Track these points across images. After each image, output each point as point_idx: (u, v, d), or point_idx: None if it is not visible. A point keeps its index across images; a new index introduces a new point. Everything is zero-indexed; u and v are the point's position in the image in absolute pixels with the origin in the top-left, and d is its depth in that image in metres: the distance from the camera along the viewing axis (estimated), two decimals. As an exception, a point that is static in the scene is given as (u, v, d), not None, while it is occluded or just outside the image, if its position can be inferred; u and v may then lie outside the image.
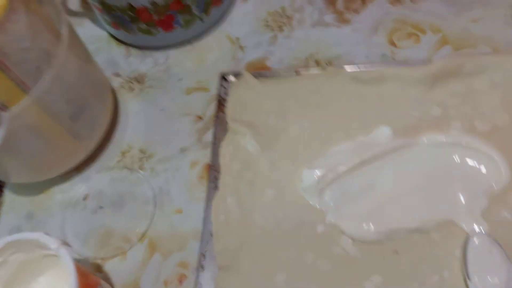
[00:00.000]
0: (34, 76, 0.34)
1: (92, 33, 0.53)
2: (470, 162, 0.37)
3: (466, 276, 0.32)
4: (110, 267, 0.39)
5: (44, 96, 0.35)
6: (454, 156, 0.38)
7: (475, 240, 0.33)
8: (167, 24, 0.47)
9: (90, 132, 0.42)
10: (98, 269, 0.39)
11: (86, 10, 0.55)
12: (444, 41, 0.45)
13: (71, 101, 0.38)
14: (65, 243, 0.29)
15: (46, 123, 0.37)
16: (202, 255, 0.37)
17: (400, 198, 0.37)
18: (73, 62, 0.38)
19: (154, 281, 0.37)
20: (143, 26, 0.47)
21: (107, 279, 0.38)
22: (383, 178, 0.38)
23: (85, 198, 0.42)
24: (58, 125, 0.38)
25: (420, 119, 0.41)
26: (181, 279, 0.37)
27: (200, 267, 0.36)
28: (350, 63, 0.45)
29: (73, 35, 0.38)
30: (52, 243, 0.29)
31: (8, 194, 0.44)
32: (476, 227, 0.34)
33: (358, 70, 0.43)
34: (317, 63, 0.46)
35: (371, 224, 0.36)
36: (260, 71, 0.46)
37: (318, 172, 0.38)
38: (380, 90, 0.42)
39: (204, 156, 0.43)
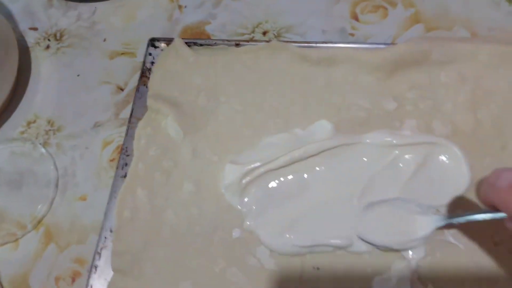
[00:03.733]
0: None
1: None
2: (421, 173, 0.32)
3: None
4: (-3, 256, 0.34)
5: None
6: (399, 163, 0.32)
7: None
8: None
9: (-15, 97, 0.36)
10: (-16, 257, 0.34)
11: None
12: (416, 19, 0.38)
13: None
14: None
15: None
16: (98, 254, 0.32)
17: (330, 208, 0.32)
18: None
19: (45, 277, 0.33)
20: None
21: (-8, 271, 0.33)
22: (314, 181, 0.33)
23: (-20, 172, 0.37)
24: None
25: (369, 112, 0.35)
26: (75, 277, 0.33)
27: (93, 267, 0.32)
28: (302, 35, 0.38)
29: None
30: None
31: None
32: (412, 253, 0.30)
33: (308, 46, 0.36)
34: (265, 33, 0.39)
35: (292, 236, 0.31)
36: (195, 38, 0.39)
37: (242, 168, 0.33)
38: (330, 73, 0.36)
39: (120, 136, 0.37)
